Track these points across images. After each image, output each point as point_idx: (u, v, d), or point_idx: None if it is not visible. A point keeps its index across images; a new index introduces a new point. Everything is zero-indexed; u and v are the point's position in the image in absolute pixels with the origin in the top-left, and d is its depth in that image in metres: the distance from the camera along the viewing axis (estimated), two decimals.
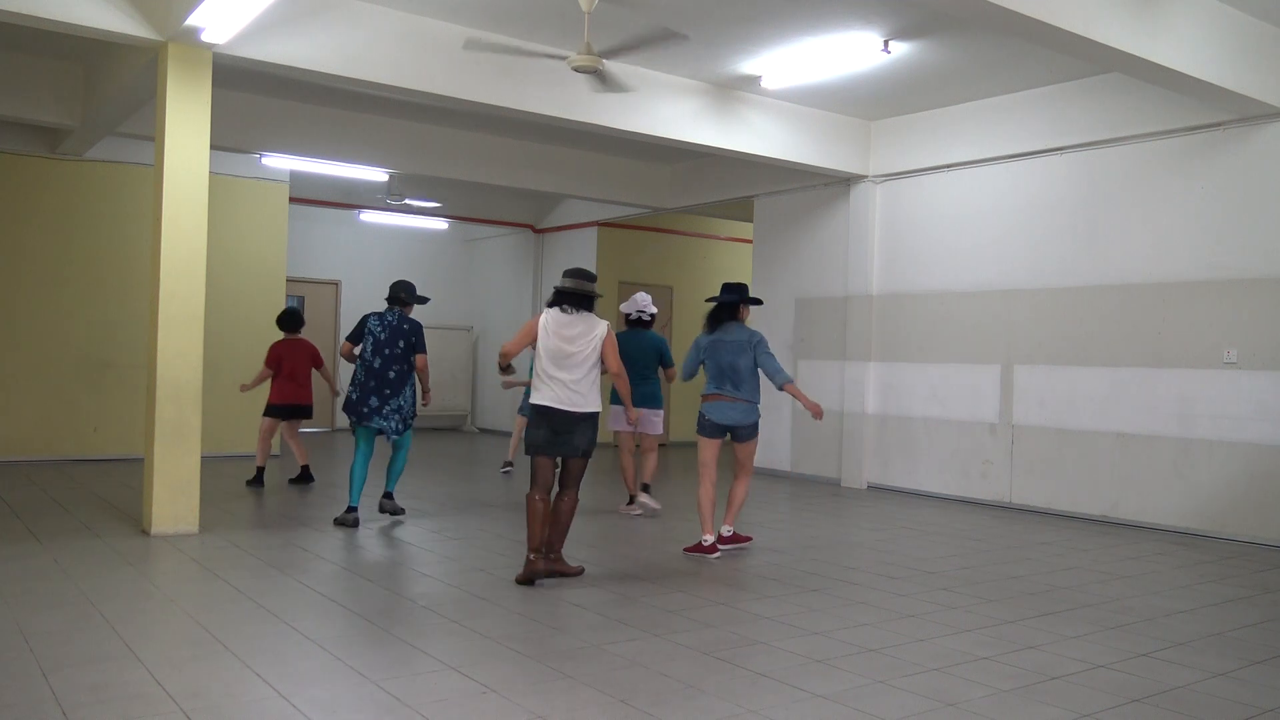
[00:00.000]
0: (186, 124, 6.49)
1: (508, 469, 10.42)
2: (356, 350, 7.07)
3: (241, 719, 3.31)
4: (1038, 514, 8.49)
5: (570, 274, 5.57)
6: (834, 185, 10.48)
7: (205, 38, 6.23)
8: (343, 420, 14.74)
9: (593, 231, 14.01)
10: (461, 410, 15.63)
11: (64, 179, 10.22)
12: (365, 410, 6.97)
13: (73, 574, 5.27)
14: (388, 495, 7.38)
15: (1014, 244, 8.93)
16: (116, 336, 10.35)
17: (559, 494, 5.52)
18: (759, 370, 6.32)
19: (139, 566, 5.56)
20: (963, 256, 9.34)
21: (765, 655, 4.18)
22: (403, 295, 7.20)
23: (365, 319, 7.09)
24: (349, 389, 7.10)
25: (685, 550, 6.37)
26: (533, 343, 5.47)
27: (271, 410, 8.79)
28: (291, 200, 12.02)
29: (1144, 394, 7.94)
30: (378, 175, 11.75)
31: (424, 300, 7.44)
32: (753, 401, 6.31)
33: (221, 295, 10.35)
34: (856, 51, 7.64)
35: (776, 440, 10.91)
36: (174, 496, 6.46)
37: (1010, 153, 8.89)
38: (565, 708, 3.48)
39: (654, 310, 8.07)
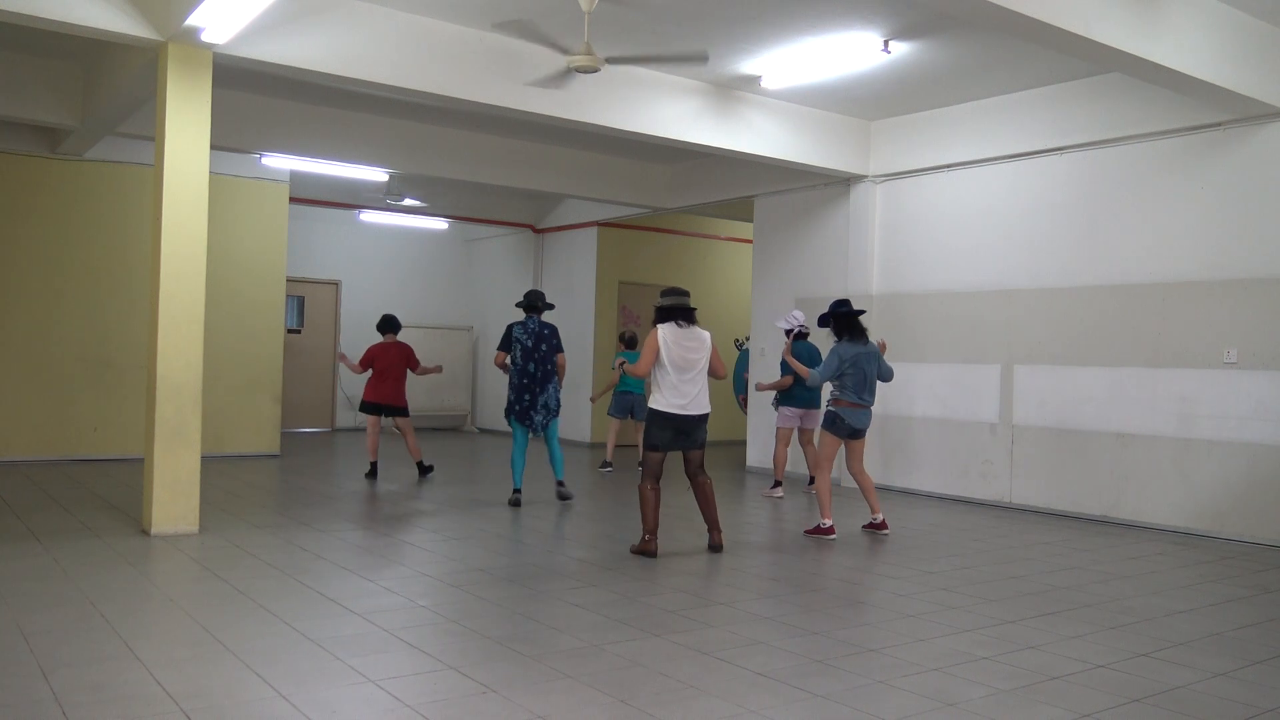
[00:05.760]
0: (186, 124, 6.49)
1: (607, 468, 10.79)
2: (507, 359, 8.13)
3: (241, 719, 3.31)
4: (1038, 514, 8.49)
5: (674, 292, 6.31)
6: (834, 185, 10.48)
7: (205, 38, 6.23)
8: (343, 420, 14.93)
9: (593, 231, 14.00)
10: (462, 410, 15.62)
11: (64, 179, 10.21)
12: (518, 409, 8.05)
13: (73, 574, 5.27)
14: (560, 483, 8.36)
15: (1014, 244, 8.93)
16: (116, 336, 10.34)
17: (700, 478, 6.38)
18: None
19: (139, 566, 5.56)
20: (963, 256, 9.34)
21: (765, 655, 4.17)
22: (539, 304, 8.18)
23: (510, 328, 8.10)
24: (508, 391, 8.14)
25: (806, 532, 7.17)
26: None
27: (364, 407, 9.63)
28: (291, 200, 12.02)
29: (1144, 394, 7.94)
30: (378, 175, 11.75)
31: (551, 306, 8.47)
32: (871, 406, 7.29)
33: (221, 295, 10.35)
34: (856, 51, 7.64)
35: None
36: (174, 496, 6.46)
37: (1010, 153, 8.89)
38: (565, 708, 3.48)
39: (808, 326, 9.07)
